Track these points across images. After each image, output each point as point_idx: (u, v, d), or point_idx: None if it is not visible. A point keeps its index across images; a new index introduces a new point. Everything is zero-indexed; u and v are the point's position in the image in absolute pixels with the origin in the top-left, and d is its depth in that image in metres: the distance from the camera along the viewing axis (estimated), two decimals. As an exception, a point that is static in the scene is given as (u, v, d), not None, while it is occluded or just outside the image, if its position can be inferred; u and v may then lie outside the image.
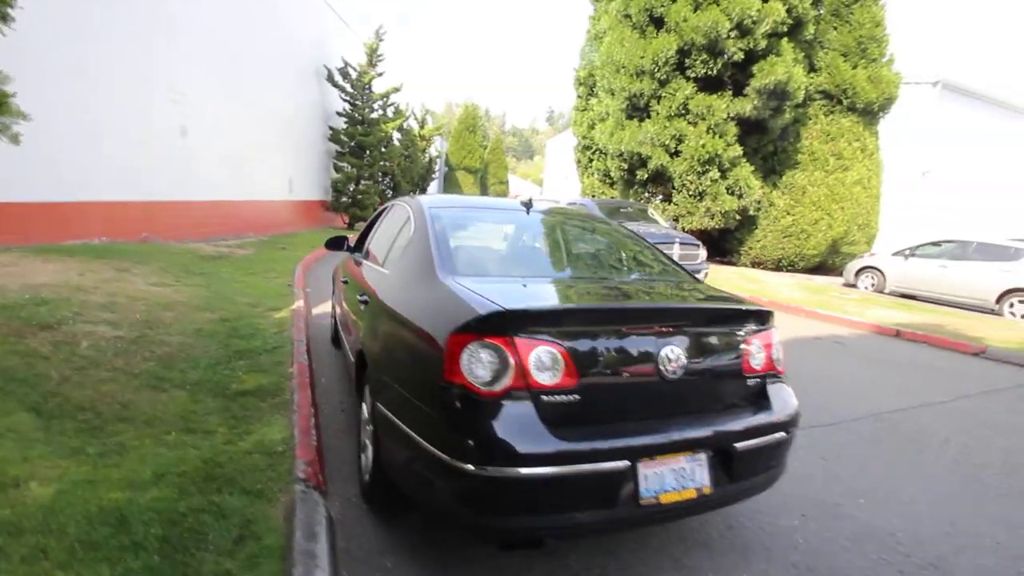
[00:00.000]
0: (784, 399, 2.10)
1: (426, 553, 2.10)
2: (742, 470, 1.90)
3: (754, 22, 10.89)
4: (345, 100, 16.31)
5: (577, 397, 1.68)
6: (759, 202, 12.73)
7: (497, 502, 1.59)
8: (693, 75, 11.61)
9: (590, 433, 1.67)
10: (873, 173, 13.40)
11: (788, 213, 13.05)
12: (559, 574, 2.00)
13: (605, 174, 15.00)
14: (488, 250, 2.61)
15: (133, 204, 9.13)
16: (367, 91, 16.68)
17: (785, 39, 11.45)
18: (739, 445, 1.87)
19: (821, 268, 13.78)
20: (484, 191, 39.82)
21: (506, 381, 1.62)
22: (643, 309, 1.94)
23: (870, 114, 13.14)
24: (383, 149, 17.44)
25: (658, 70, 11.56)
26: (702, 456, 1.82)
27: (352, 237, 4.32)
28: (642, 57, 11.63)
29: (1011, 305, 9.20)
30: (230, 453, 2.48)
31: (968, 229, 12.80)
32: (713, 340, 1.96)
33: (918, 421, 4.07)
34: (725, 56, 11.25)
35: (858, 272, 11.82)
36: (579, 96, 16.14)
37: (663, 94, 11.83)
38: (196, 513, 1.96)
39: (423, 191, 27.08)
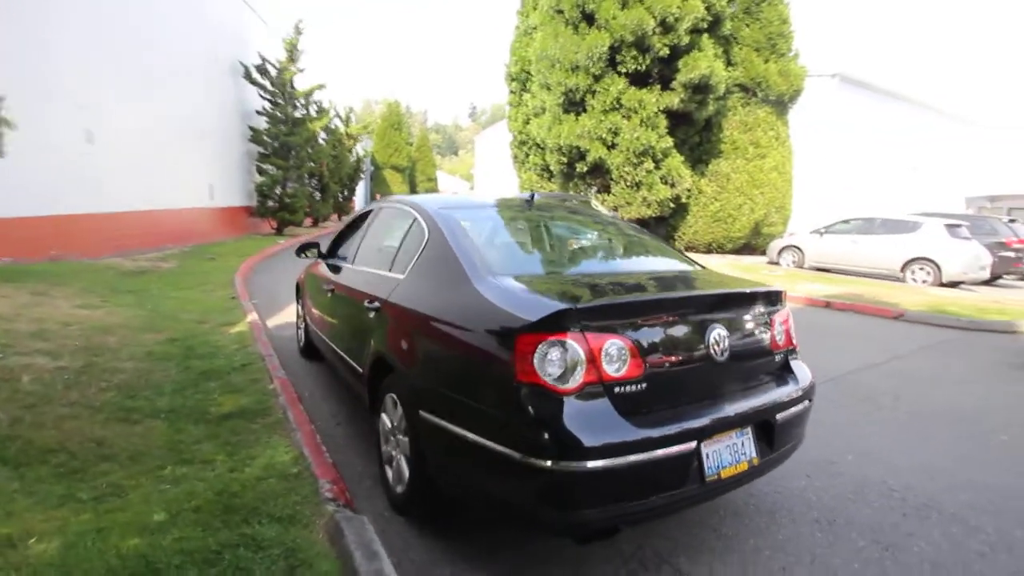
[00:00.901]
0: (803, 370, 2.26)
1: (484, 558, 2.05)
2: (780, 439, 2.03)
3: (676, 19, 11.42)
4: (265, 98, 15.39)
5: (644, 386, 1.71)
6: (689, 190, 13.42)
7: (579, 496, 1.59)
8: (624, 70, 12.01)
9: (659, 419, 1.71)
10: (786, 159, 14.53)
11: (715, 199, 13.87)
12: (614, 560, 2.03)
13: (543, 168, 15.20)
14: (515, 247, 2.57)
15: (37, 220, 8.12)
16: (289, 89, 15.83)
17: (706, 35, 12.11)
18: (779, 416, 1.99)
19: (746, 249, 14.79)
20: (413, 189, 39.12)
21: (580, 376, 1.62)
22: (696, 296, 2.00)
23: (781, 105, 14.22)
24: (310, 149, 16.65)
25: (592, 65, 11.85)
26: (748, 430, 1.92)
27: (314, 241, 4.11)
28: (576, 52, 11.87)
29: (913, 272, 10.34)
30: (241, 481, 2.29)
31: (868, 208, 14.23)
32: (749, 321, 2.07)
33: (868, 382, 4.49)
34: (653, 52, 11.72)
35: (781, 250, 12.80)
36: (512, 91, 16.21)
37: (597, 89, 12.15)
38: (231, 549, 1.80)
39: (351, 192, 26.14)
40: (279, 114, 15.47)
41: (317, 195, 19.65)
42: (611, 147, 12.47)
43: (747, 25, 13.94)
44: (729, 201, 13.84)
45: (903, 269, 10.48)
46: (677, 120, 12.97)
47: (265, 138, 15.37)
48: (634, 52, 11.77)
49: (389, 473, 2.39)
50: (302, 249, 3.99)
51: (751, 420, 1.92)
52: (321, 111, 18.85)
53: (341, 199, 24.27)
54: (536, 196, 2.95)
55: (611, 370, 1.65)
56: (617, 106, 12.23)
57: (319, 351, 4.14)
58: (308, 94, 16.29)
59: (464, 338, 1.86)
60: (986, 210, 19.95)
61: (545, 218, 2.80)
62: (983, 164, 22.58)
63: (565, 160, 13.08)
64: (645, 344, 1.74)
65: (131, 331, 4.70)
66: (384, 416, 2.44)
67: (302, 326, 4.65)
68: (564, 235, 2.77)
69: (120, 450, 2.52)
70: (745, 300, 2.10)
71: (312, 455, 2.56)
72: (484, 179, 34.51)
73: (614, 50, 11.88)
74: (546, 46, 12.46)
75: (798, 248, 12.38)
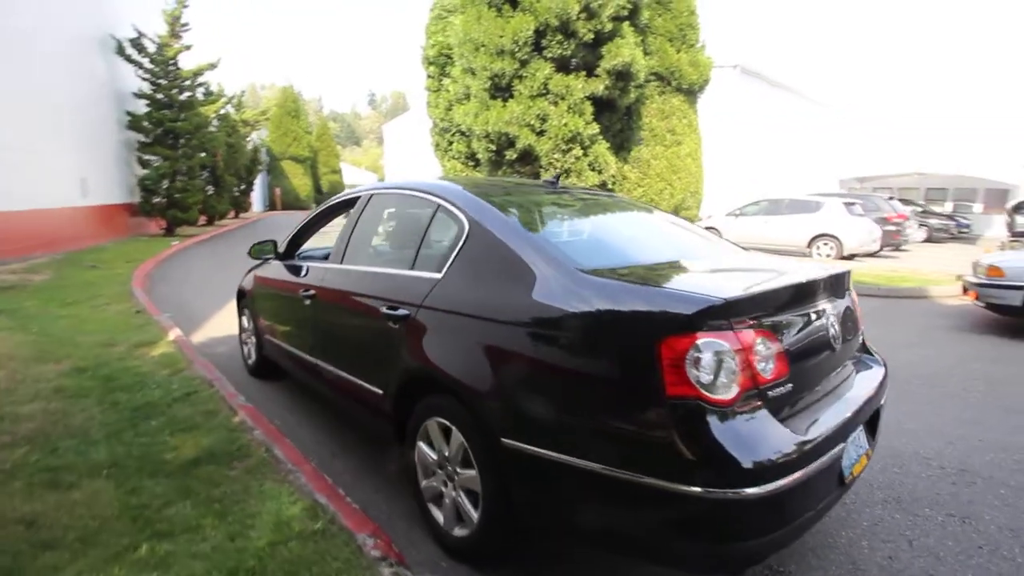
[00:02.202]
0: (874, 349, 2.19)
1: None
2: (877, 426, 1.93)
3: (600, 5, 11.47)
4: (145, 78, 13.40)
5: (790, 386, 1.48)
6: (615, 177, 13.69)
7: (742, 524, 1.33)
8: (550, 55, 11.88)
9: (808, 423, 1.50)
10: (698, 146, 15.32)
11: (639, 185, 14.29)
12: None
13: (468, 156, 14.74)
14: (586, 236, 2.20)
15: None
16: (172, 68, 13.91)
17: (627, 23, 12.30)
18: (881, 402, 1.89)
19: (666, 233, 15.45)
20: (316, 182, 36.77)
21: (738, 382, 1.35)
22: (823, 279, 1.78)
23: (692, 94, 14.92)
24: (202, 137, 14.81)
25: (518, 50, 11.59)
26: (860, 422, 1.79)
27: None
28: (501, 36, 11.54)
29: (818, 248, 11.34)
30: (254, 552, 1.77)
31: (766, 192, 15.43)
32: (845, 304, 1.92)
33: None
34: (578, 37, 11.70)
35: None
36: (430, 76, 15.49)
37: (524, 74, 11.93)
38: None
39: (249, 186, 23.91)
40: (162, 96, 13.55)
41: (211, 189, 17.64)
42: (540, 134, 12.34)
43: (659, 15, 14.41)
44: (651, 187, 14.32)
45: (809, 245, 11.46)
46: (601, 107, 13.11)
47: (146, 124, 13.40)
48: (560, 37, 11.67)
49: (438, 514, 1.98)
50: (258, 248, 3.36)
51: (871, 408, 1.79)
52: (210, 94, 16.85)
53: (238, 194, 22.09)
54: (558, 179, 2.62)
55: (764, 372, 1.41)
56: (544, 92, 12.09)
57: (279, 367, 3.52)
58: (196, 74, 14.43)
59: (573, 348, 1.52)
60: (855, 191, 22.53)
61: (585, 202, 2.48)
62: (852, 149, 25.53)
63: (494, 147, 12.74)
64: (785, 337, 1.53)
65: (22, 362, 3.72)
66: (423, 447, 2.02)
67: (251, 340, 3.96)
68: (617, 220, 2.46)
69: (63, 530, 1.87)
70: (843, 280, 1.95)
71: (332, 502, 2.07)
72: (396, 169, 33.18)
73: (539, 34, 11.70)
74: (469, 29, 12.00)
75: (716, 229, 13.11)
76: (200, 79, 15.45)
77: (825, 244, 11.22)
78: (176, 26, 13.83)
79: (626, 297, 1.48)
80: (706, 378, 1.34)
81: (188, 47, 14.17)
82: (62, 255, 10.13)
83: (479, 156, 13.76)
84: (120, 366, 3.89)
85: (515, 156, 12.81)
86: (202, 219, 17.15)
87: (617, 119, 13.81)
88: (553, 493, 1.57)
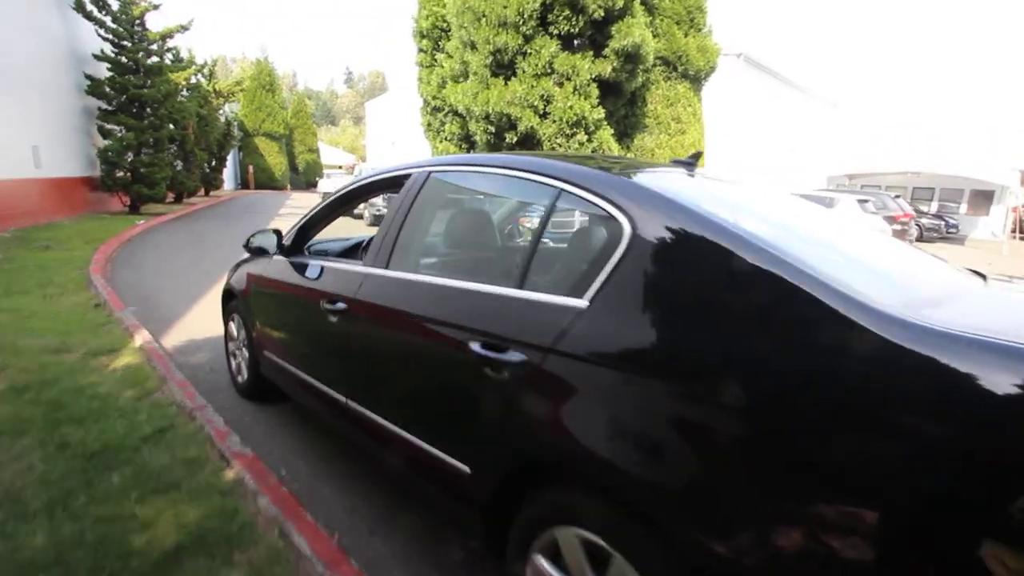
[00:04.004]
0: None
1: None
2: None
3: (612, -21, 10.71)
4: (107, 39, 12.06)
5: None
6: (618, 165, 13.07)
7: None
8: (556, 31, 11.09)
9: None
10: (701, 136, 14.77)
11: (641, 175, 13.69)
12: None
13: (463, 138, 13.87)
14: (835, 257, 1.46)
15: None
16: (139, 28, 12.60)
17: (637, 1, 11.57)
18: None
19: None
20: (292, 160, 35.21)
21: None
22: None
23: (698, 81, 14.32)
24: (171, 107, 13.54)
25: (523, 23, 10.76)
26: None
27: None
28: (505, 7, 10.69)
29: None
30: None
31: (769, 185, 15.01)
32: None
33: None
34: (587, 13, 10.93)
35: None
36: (422, 51, 14.48)
37: (528, 50, 11.12)
38: None
39: (221, 162, 22.49)
40: (126, 60, 12.25)
41: (180, 164, 16.33)
42: (543, 116, 11.57)
43: (668, -4, 13.70)
44: (654, 177, 13.74)
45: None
46: (606, 91, 12.40)
47: (108, 89, 12.10)
48: (567, 11, 10.88)
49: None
50: (258, 240, 2.59)
51: None
52: (179, 60, 15.49)
53: (209, 170, 20.71)
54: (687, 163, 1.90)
55: None
56: (549, 71, 11.31)
57: (281, 390, 2.77)
58: (165, 36, 13.12)
59: (920, 449, 0.83)
60: (843, 187, 22.44)
61: (748, 192, 1.76)
62: (843, 144, 25.46)
63: (493, 129, 11.94)
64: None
65: (-64, 381, 2.87)
66: (546, 567, 1.32)
67: (242, 353, 3.18)
68: (817, 224, 1.70)
69: None
70: None
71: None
72: (378, 151, 31.91)
73: (546, 8, 10.89)
74: (469, -2, 11.08)
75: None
76: (169, 43, 14.16)
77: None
78: (142, -19, 12.49)
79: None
80: None
81: (156, 6, 12.85)
82: (10, 233, 8.99)
83: (476, 138, 12.91)
84: (72, 384, 3.07)
85: (516, 139, 12.01)
86: (169, 196, 15.91)
87: (622, 104, 13.12)
88: None
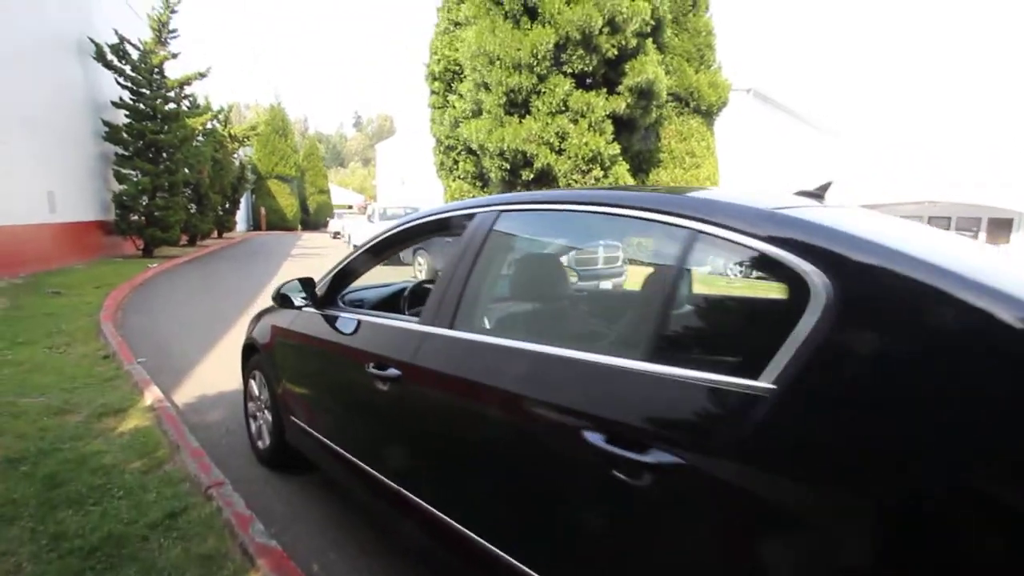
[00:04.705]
0: None
1: None
2: None
3: (624, 20, 10.80)
4: (126, 87, 12.25)
5: None
6: (634, 200, 12.90)
7: None
8: (570, 70, 11.14)
9: None
10: (715, 170, 14.67)
11: (658, 210, 13.51)
12: None
13: (476, 176, 13.82)
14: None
15: None
16: (157, 76, 12.80)
17: (649, 40, 11.64)
18: None
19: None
20: (303, 202, 35.62)
21: None
22: None
23: (710, 115, 14.32)
24: (186, 152, 13.63)
25: (537, 64, 10.80)
26: None
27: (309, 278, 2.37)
28: (519, 49, 10.75)
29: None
30: None
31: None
32: None
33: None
34: (600, 52, 10.99)
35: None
36: (434, 92, 14.62)
37: (543, 89, 11.13)
38: None
39: (235, 204, 22.67)
40: (144, 107, 12.39)
41: (194, 207, 16.38)
42: (559, 152, 11.50)
43: (676, 35, 13.84)
44: (670, 211, 13.56)
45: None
46: (620, 127, 12.38)
47: (125, 135, 12.20)
48: (581, 51, 10.93)
49: None
50: (288, 291, 2.28)
51: None
52: (196, 107, 15.75)
53: (222, 213, 20.81)
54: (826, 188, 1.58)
55: None
56: (564, 108, 11.30)
57: (309, 459, 2.41)
58: (183, 84, 13.33)
59: None
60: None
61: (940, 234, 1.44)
62: (856, 176, 25.38)
63: (508, 166, 11.86)
64: None
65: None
66: None
67: (263, 415, 2.84)
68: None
69: None
70: None
71: None
72: (388, 191, 32.23)
73: (559, 48, 10.96)
74: (483, 41, 11.17)
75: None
76: (187, 90, 14.39)
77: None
78: (163, 32, 12.77)
79: None
80: None
81: (175, 55, 13.10)
82: (22, 279, 8.82)
83: (490, 175, 12.84)
84: (73, 453, 2.73)
85: (532, 176, 11.90)
86: (183, 239, 15.88)
87: (637, 139, 13.08)
88: None
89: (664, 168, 13.64)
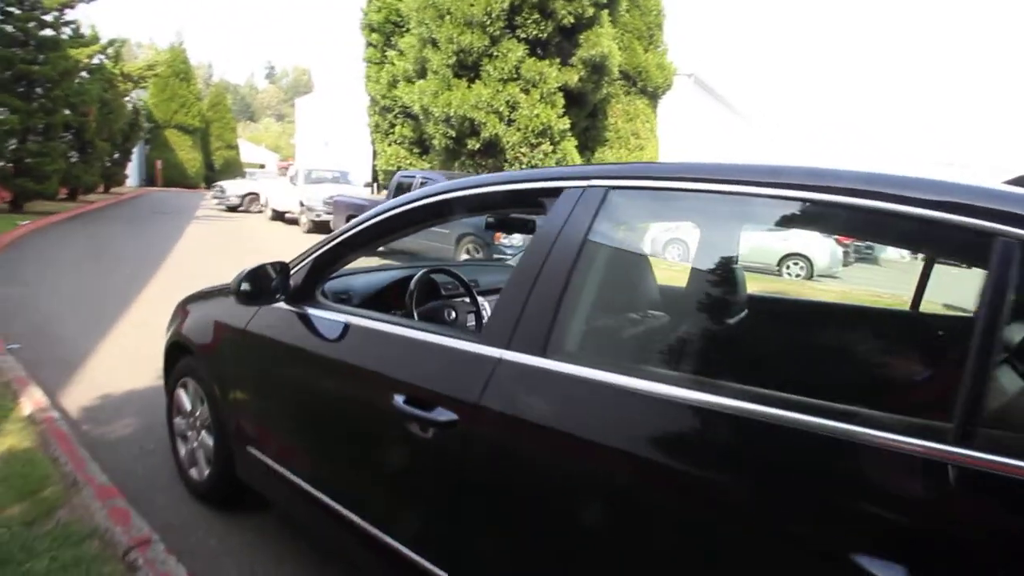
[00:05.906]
0: None
1: None
2: None
3: (582, -13, 10.31)
4: (-16, 2, 9.99)
5: None
6: (580, 178, 12.67)
7: None
8: (524, 35, 10.52)
9: None
10: (656, 153, 14.77)
11: (602, 189, 13.39)
12: None
13: (415, 141, 12.88)
14: None
15: None
16: (28, -6, 10.56)
17: (605, 12, 11.25)
18: None
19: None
20: (208, 157, 32.11)
21: None
22: None
23: (655, 97, 14.31)
24: (68, 89, 11.49)
25: (490, 23, 10.07)
26: None
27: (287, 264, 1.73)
28: (472, 5, 9.94)
29: (788, 267, 11.15)
30: None
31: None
32: None
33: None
34: (556, 19, 10.45)
35: (665, 243, 12.92)
36: (372, 45, 13.33)
37: (495, 53, 10.43)
38: None
39: (126, 155, 19.90)
40: (13, 29, 10.19)
41: (75, 156, 14.01)
42: (508, 123, 10.91)
43: (627, 11, 13.55)
44: (614, 192, 13.49)
45: (779, 264, 11.20)
46: (570, 101, 11.98)
47: (-15, 63, 10.00)
48: (536, 15, 10.33)
49: None
50: (250, 283, 1.64)
51: None
52: (80, 36, 13.30)
53: (110, 164, 18.11)
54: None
55: None
56: (516, 76, 10.68)
57: (264, 496, 1.84)
58: (64, 6, 11.11)
59: None
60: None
61: None
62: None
63: (453, 134, 11.10)
64: None
65: None
66: None
67: (196, 435, 2.17)
68: None
69: None
70: None
71: None
72: (309, 151, 29.77)
73: (514, 10, 10.27)
74: (433, -8, 10.23)
75: (683, 241, 12.56)
76: (69, 15, 12.05)
77: (795, 264, 11.06)
78: (34, -63, 10.50)
79: None
80: None
81: (51, -32, 10.85)
82: None
83: (432, 142, 11.96)
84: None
85: (478, 146, 11.23)
86: (62, 192, 13.61)
87: (584, 116, 12.74)
88: None
89: (610, 147, 13.49)
